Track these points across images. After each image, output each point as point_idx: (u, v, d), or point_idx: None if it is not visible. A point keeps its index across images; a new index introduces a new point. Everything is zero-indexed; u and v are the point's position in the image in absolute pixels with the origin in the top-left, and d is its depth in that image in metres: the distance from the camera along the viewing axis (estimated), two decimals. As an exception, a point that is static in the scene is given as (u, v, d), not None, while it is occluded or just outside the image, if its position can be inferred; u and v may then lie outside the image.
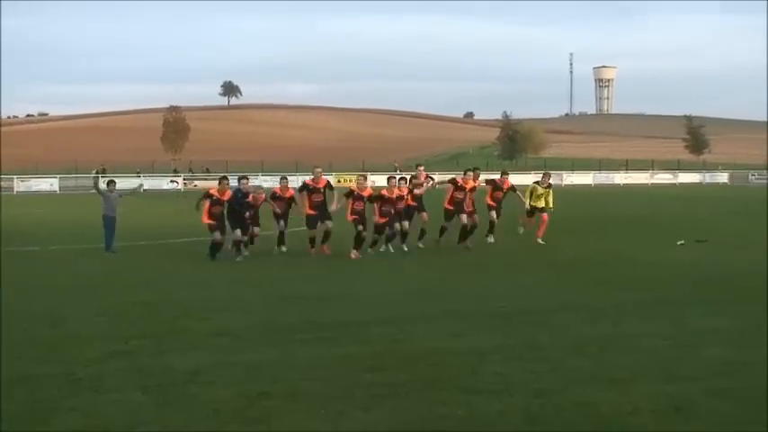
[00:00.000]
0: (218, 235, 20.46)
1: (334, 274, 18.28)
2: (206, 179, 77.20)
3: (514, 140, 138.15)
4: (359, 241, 21.20)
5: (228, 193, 20.82)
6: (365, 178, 23.24)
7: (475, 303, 14.10)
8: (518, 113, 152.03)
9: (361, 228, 21.04)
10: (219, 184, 21.16)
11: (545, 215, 24.77)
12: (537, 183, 25.71)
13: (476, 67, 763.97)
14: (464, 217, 22.88)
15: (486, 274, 17.87)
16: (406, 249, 22.07)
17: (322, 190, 21.95)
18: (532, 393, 8.62)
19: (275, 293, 15.16)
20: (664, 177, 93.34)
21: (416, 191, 22.84)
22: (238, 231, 20.68)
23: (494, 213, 24.12)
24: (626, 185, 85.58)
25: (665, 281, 16.75)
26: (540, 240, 24.26)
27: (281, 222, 22.00)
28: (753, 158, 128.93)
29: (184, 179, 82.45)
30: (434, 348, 10.68)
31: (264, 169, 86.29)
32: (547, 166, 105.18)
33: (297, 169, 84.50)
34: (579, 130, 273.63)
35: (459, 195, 23.09)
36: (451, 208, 23.16)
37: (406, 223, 22.23)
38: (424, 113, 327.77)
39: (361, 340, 11.23)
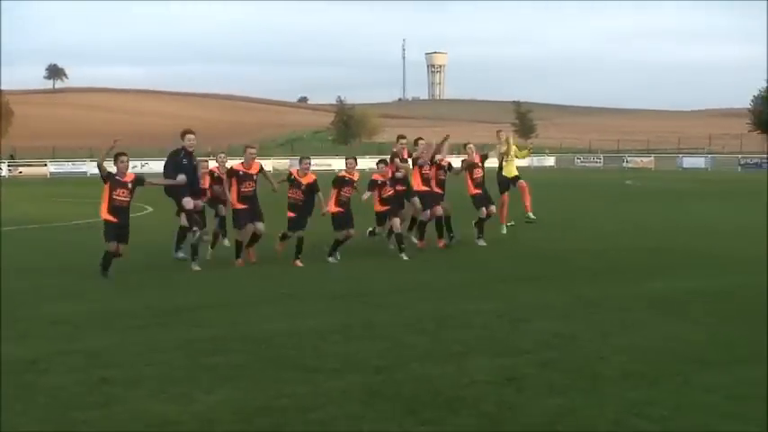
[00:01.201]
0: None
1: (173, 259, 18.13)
2: (30, 165, 74.82)
3: (348, 125, 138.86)
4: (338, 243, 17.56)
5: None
6: (355, 160, 18.20)
7: (314, 286, 14.30)
8: (352, 98, 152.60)
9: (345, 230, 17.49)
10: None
11: (522, 182, 21.45)
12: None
13: (310, 52, 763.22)
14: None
15: (324, 258, 18.08)
16: (405, 258, 17.50)
17: (254, 177, 17.18)
18: (373, 370, 8.89)
19: (110, 280, 14.96)
20: (493, 161, 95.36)
21: (398, 173, 18.68)
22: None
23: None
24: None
25: (497, 260, 17.35)
26: (531, 215, 21.49)
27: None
28: (578, 143, 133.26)
29: (9, 166, 79.48)
30: (275, 330, 10.85)
31: (93, 155, 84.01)
32: (381, 150, 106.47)
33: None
34: (412, 114, 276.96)
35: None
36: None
37: (396, 221, 18.35)
38: (257, 98, 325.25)
39: (201, 324, 11.28)
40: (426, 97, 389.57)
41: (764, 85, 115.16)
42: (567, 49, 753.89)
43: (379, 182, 18.18)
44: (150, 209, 29.62)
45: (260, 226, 17.04)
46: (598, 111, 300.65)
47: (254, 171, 17.08)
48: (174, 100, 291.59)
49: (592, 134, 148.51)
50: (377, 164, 18.90)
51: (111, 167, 15.60)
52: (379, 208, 18.33)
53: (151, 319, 11.57)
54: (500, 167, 21.69)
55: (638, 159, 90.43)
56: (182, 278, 15.34)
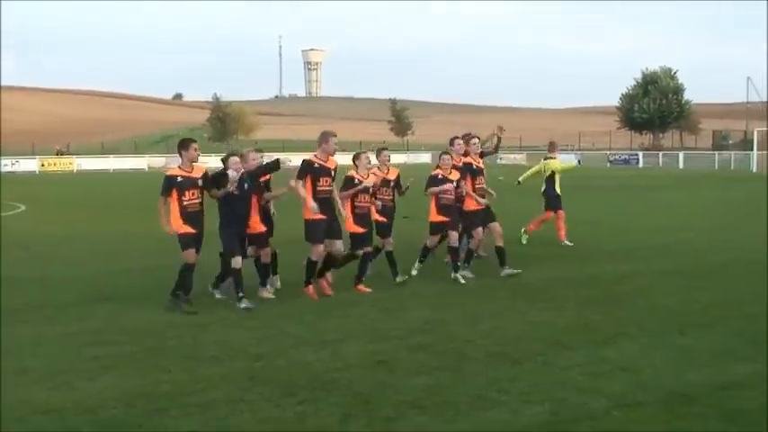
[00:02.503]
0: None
1: (57, 255, 18.10)
2: None
3: (225, 123, 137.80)
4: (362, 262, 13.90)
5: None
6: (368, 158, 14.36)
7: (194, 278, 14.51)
8: (228, 95, 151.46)
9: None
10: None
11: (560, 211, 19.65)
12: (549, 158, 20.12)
13: (185, 46, 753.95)
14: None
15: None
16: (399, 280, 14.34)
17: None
18: (253, 357, 9.27)
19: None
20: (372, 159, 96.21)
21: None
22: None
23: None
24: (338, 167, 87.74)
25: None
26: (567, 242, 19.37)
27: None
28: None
29: None
30: (157, 322, 11.15)
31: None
32: (259, 149, 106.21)
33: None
34: (289, 112, 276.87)
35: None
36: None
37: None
38: (130, 94, 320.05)
39: (83, 318, 11.50)
40: (304, 95, 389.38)
41: (633, 83, 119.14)
42: (439, 44, 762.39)
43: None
44: (23, 207, 29.24)
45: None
46: (474, 108, 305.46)
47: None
48: (45, 98, 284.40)
49: (467, 130, 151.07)
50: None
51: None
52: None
53: (33, 315, 11.73)
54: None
55: (512, 156, 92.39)
56: (61, 274, 15.37)
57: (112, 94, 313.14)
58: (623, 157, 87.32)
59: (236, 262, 12.23)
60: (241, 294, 12.10)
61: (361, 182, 13.51)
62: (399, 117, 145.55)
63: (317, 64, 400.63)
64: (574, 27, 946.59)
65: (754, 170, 65.70)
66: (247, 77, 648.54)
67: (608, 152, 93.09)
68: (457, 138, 15.59)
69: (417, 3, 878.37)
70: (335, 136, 13.32)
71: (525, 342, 9.91)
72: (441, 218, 14.39)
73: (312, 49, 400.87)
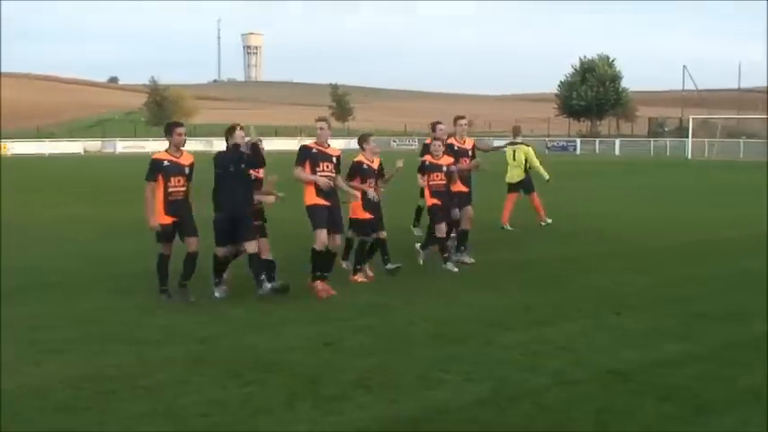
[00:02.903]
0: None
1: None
2: None
3: (162, 107, 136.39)
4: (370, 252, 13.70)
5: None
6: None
7: (135, 265, 14.54)
8: (166, 79, 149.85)
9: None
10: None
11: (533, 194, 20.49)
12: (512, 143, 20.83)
13: (120, 29, 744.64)
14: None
15: (145, 237, 18.28)
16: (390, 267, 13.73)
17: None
18: (197, 340, 9.39)
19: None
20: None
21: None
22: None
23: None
24: (278, 151, 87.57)
25: (307, 236, 17.89)
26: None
27: None
28: (394, 125, 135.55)
29: None
30: (101, 307, 11.19)
31: None
32: (197, 132, 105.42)
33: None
34: (228, 96, 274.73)
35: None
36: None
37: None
38: (64, 77, 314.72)
39: (27, 304, 11.48)
40: (242, 79, 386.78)
41: (571, 71, 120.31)
42: (380, 32, 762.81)
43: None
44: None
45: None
46: (414, 94, 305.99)
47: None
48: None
49: (407, 117, 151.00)
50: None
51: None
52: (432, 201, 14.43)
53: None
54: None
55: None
56: (5, 263, 15.25)
57: (46, 77, 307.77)
58: (561, 144, 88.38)
59: (219, 251, 11.87)
60: (216, 281, 11.92)
61: (369, 167, 13.37)
62: (340, 102, 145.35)
63: (256, 48, 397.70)
64: (515, 15, 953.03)
65: (690, 157, 66.86)
66: (186, 61, 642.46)
67: (546, 139, 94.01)
68: (439, 123, 15.30)
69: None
70: (324, 120, 13.01)
71: (467, 323, 10.12)
72: (434, 200, 14.25)
73: (251, 33, 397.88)
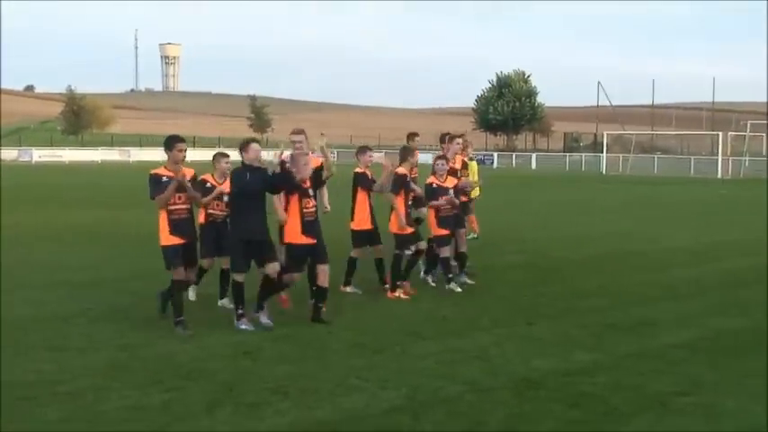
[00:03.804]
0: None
1: None
2: None
3: (79, 116, 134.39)
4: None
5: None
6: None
7: (52, 275, 14.48)
8: (83, 88, 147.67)
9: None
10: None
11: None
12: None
13: (37, 37, 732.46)
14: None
15: (62, 246, 18.17)
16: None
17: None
18: (118, 348, 9.47)
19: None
20: (230, 154, 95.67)
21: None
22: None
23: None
24: (194, 161, 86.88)
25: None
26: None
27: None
28: (312, 137, 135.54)
29: None
30: (21, 316, 11.18)
31: None
32: (114, 142, 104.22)
33: None
34: (146, 106, 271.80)
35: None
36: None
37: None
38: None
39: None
40: (160, 89, 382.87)
41: (488, 85, 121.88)
42: (302, 44, 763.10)
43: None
44: None
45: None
46: (332, 106, 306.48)
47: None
48: None
49: (326, 129, 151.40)
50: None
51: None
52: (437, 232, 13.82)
53: None
54: None
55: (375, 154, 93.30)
56: None
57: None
58: (479, 158, 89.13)
59: (238, 277, 10.72)
60: (240, 312, 10.70)
61: (412, 179, 13.26)
62: (259, 114, 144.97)
63: (174, 58, 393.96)
64: (429, 30, 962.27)
65: (604, 172, 68.17)
66: (102, 70, 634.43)
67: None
68: (455, 136, 14.93)
69: (279, 3, 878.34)
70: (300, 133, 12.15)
71: (384, 333, 10.34)
72: (442, 231, 13.61)
73: (169, 44, 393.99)
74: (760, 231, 22.13)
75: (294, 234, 11.01)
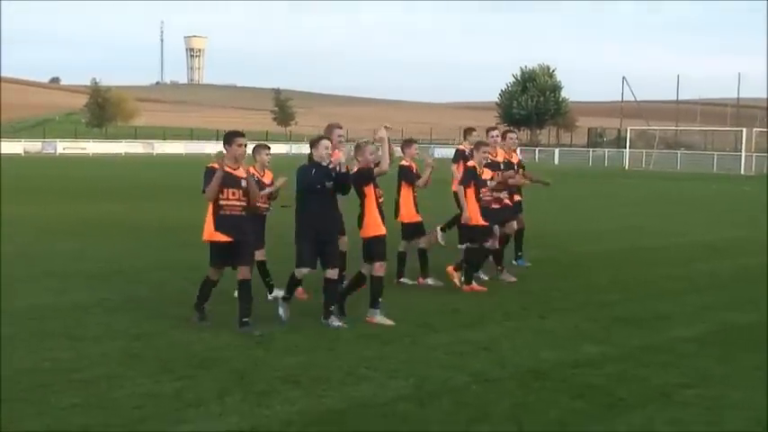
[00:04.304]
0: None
1: None
2: None
3: (104, 108, 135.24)
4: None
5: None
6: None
7: (74, 265, 14.70)
8: (108, 80, 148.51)
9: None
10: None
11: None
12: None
13: (63, 31, 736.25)
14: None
15: (83, 238, 18.40)
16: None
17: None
18: (133, 337, 9.62)
19: None
20: (249, 148, 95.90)
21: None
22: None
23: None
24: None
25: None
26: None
27: None
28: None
29: None
30: (40, 305, 11.36)
31: None
32: (138, 134, 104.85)
33: None
34: (170, 99, 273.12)
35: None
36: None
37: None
38: (5, 77, 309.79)
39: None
40: (185, 81, 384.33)
41: (512, 80, 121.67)
42: (327, 41, 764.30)
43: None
44: None
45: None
46: (358, 101, 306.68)
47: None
48: None
49: (351, 123, 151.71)
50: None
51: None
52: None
53: None
54: None
55: (395, 148, 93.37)
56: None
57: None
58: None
59: (299, 272, 10.56)
60: (287, 296, 10.73)
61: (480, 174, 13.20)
62: (282, 107, 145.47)
63: (199, 51, 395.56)
64: (456, 24, 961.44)
65: (627, 167, 68.04)
66: (128, 63, 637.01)
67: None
68: (508, 131, 15.59)
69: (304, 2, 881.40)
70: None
71: (396, 324, 10.45)
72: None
73: (194, 36, 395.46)
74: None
75: (377, 226, 10.85)
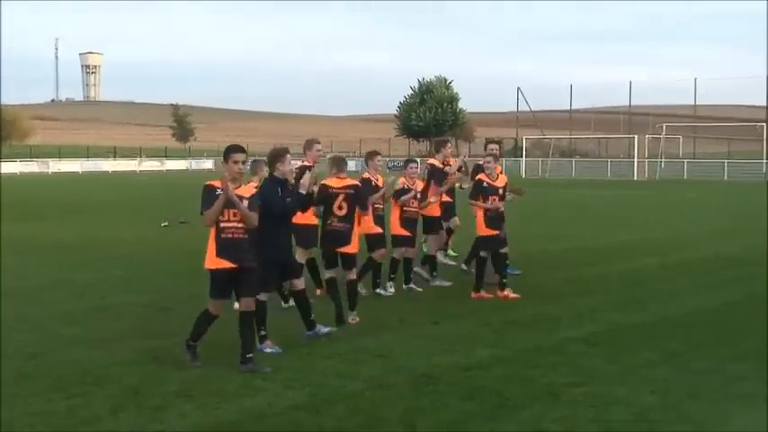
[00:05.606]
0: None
1: None
2: None
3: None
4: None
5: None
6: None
7: None
8: (2, 99, 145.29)
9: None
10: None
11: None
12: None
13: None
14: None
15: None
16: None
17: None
18: (26, 357, 9.53)
19: None
20: (152, 164, 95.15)
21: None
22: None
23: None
24: (115, 172, 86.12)
25: (147, 257, 18.06)
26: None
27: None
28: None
29: None
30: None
31: None
32: (33, 153, 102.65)
33: None
34: (66, 116, 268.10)
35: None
36: None
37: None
38: None
39: None
40: (81, 98, 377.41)
41: (410, 92, 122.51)
42: (225, 55, 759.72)
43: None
44: None
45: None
46: (259, 115, 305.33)
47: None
48: None
49: (250, 138, 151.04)
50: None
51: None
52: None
53: None
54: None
55: (297, 162, 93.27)
56: None
57: None
58: (402, 163, 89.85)
59: (262, 296, 9.94)
60: (263, 333, 10.00)
61: (490, 185, 13.91)
62: (181, 123, 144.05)
63: (95, 67, 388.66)
64: (353, 37, 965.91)
65: (524, 176, 69.21)
66: (22, 80, 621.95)
67: (387, 158, 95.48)
68: (493, 141, 16.41)
69: (205, 11, 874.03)
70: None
71: (290, 335, 10.50)
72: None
73: (90, 53, 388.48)
74: (674, 230, 22.89)
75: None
